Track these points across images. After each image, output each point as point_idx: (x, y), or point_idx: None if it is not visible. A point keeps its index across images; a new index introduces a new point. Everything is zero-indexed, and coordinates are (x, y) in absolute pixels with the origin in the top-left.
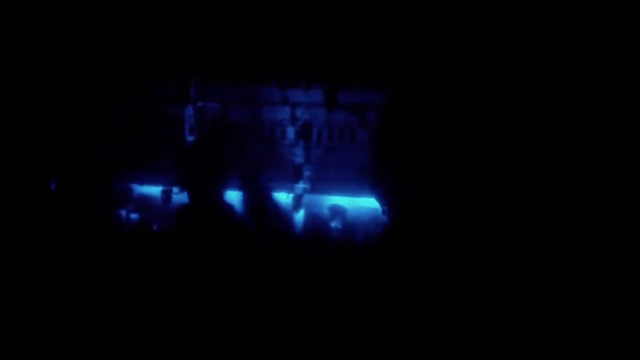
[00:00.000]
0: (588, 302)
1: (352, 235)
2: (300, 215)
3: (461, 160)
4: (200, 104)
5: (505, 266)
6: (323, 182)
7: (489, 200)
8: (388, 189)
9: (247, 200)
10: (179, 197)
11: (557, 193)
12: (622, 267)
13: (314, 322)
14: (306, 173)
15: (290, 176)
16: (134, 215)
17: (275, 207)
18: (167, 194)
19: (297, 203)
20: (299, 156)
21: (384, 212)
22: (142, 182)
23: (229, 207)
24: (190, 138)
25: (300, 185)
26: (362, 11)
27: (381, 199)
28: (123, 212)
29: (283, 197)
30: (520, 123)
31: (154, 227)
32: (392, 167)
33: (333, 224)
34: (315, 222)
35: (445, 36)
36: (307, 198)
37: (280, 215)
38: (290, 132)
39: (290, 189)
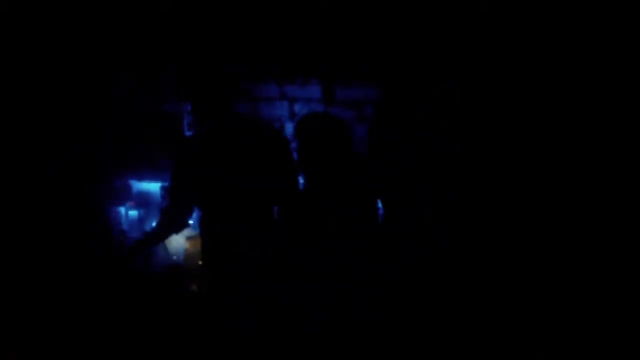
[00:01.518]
0: (586, 301)
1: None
2: None
3: (461, 159)
4: None
5: (503, 264)
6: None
7: (488, 199)
8: (386, 188)
9: None
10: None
11: (557, 192)
12: (621, 267)
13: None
14: None
15: None
16: (132, 212)
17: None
18: (166, 190)
19: None
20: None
21: (383, 210)
22: (141, 179)
23: None
24: (188, 134)
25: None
26: (361, 7)
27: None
28: (122, 209)
29: None
30: (519, 123)
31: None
32: (389, 166)
33: None
34: None
35: (445, 35)
36: None
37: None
38: (289, 127)
39: None
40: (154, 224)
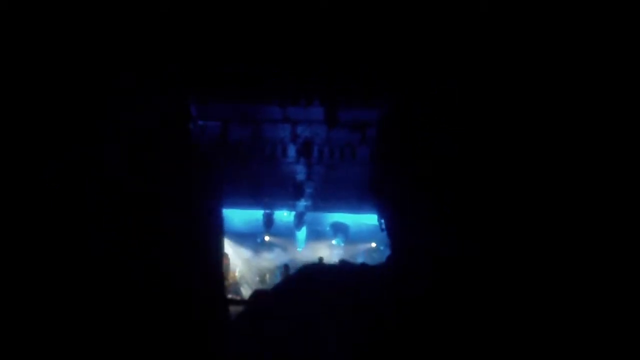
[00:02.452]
0: (589, 305)
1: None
2: (302, 233)
3: (461, 160)
4: (200, 122)
5: (506, 268)
6: (324, 200)
7: (488, 201)
8: (388, 195)
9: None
10: None
11: (559, 194)
12: (624, 271)
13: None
14: (307, 190)
15: (292, 194)
16: None
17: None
18: None
19: (299, 220)
20: (300, 173)
21: (381, 225)
22: None
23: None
24: None
25: (302, 203)
26: (361, 28)
27: (380, 209)
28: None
29: (285, 215)
30: (520, 123)
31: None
32: (391, 169)
33: (335, 241)
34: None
35: (445, 36)
36: (309, 215)
37: None
38: (291, 149)
39: (292, 207)
40: None
